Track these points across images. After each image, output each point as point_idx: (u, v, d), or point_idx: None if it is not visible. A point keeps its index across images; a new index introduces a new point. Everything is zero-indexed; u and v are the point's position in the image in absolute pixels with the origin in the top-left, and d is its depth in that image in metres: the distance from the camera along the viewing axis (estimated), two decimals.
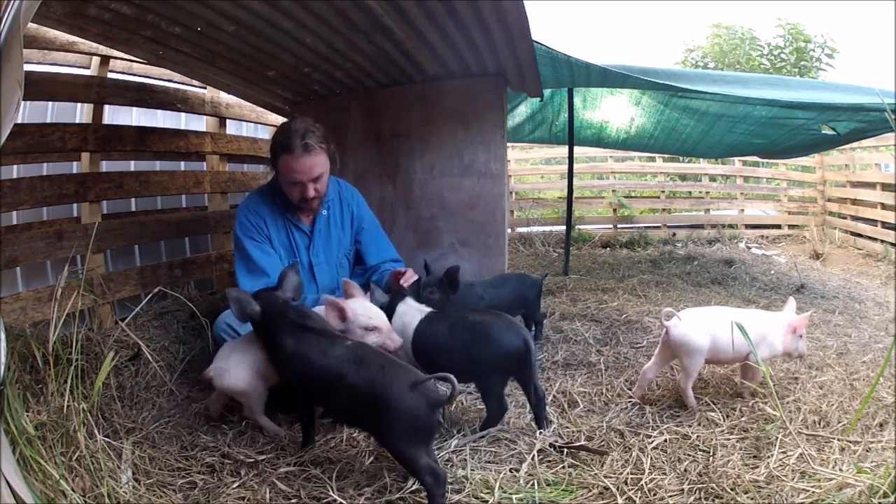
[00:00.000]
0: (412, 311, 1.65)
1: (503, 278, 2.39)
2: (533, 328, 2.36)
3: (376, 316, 1.46)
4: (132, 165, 2.81)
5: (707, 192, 6.25)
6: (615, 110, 4.05)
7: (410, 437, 1.17)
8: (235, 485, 1.28)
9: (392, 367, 1.25)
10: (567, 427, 1.56)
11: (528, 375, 1.50)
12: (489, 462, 1.37)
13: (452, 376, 1.15)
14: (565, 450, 1.39)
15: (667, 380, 1.89)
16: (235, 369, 1.52)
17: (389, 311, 1.64)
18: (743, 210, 6.22)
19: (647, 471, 1.28)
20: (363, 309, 1.46)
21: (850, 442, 1.40)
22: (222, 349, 1.60)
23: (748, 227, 6.10)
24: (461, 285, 2.14)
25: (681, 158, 6.13)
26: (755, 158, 5.55)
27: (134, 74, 2.63)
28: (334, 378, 1.26)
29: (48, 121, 2.32)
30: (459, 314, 1.62)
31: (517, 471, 1.31)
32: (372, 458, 1.38)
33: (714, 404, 1.66)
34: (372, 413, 1.20)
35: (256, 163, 3.48)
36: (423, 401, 1.17)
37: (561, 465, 1.34)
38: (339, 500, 1.20)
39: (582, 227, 5.88)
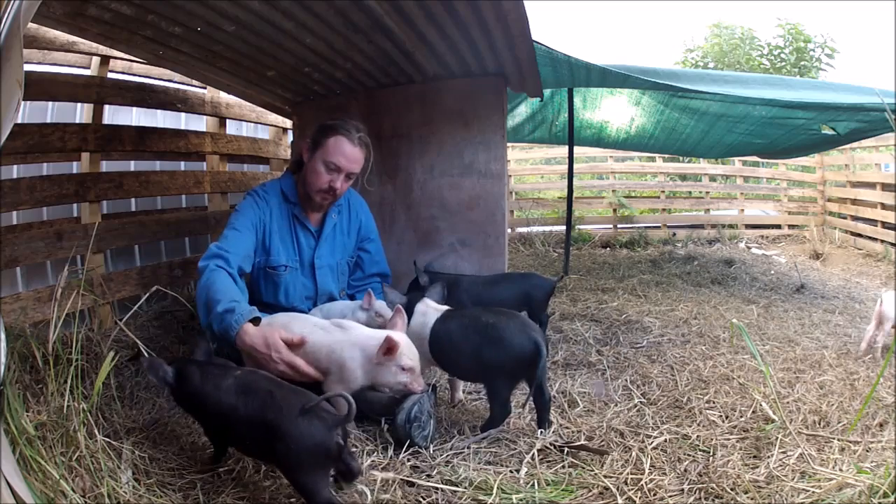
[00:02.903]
0: (430, 311, 1.66)
1: (503, 277, 2.38)
2: None
3: (416, 358, 1.42)
4: (132, 165, 2.81)
5: (707, 192, 6.25)
6: (615, 110, 4.05)
7: (309, 464, 1.08)
8: (235, 484, 1.28)
9: (281, 391, 1.17)
10: (567, 427, 1.56)
11: (538, 376, 1.49)
12: (489, 462, 1.37)
13: (348, 395, 1.12)
14: (565, 449, 1.39)
15: (667, 379, 1.89)
16: None
17: (409, 310, 1.66)
18: (743, 210, 6.22)
19: (647, 471, 1.28)
20: (408, 349, 1.40)
21: (850, 442, 1.40)
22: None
23: (748, 227, 6.10)
24: (451, 278, 2.18)
25: (681, 158, 6.13)
26: (755, 158, 5.55)
27: (134, 74, 2.63)
28: (227, 411, 1.19)
29: (48, 121, 2.32)
30: (474, 313, 1.61)
31: (517, 471, 1.31)
32: (370, 460, 1.38)
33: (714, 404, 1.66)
34: (267, 443, 1.11)
35: (256, 163, 3.48)
36: (316, 423, 1.08)
37: (561, 465, 1.34)
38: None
39: (582, 227, 5.88)
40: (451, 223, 2.70)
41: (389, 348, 1.35)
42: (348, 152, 1.86)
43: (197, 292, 1.63)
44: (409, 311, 1.65)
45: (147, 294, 1.77)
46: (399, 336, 1.40)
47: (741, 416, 1.57)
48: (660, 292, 3.32)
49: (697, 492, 1.21)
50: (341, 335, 1.46)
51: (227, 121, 3.12)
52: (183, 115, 3.05)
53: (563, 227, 4.57)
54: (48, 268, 2.31)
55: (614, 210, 6.12)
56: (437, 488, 1.24)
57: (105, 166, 2.46)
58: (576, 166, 4.24)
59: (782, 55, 9.37)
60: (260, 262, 1.94)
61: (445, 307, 1.69)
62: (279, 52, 2.27)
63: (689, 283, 3.68)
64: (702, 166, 6.21)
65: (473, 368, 1.55)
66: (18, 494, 0.83)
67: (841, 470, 1.24)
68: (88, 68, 2.41)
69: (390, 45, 2.23)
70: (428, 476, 1.29)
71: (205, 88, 2.96)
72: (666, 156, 6.04)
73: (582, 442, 1.43)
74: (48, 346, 1.39)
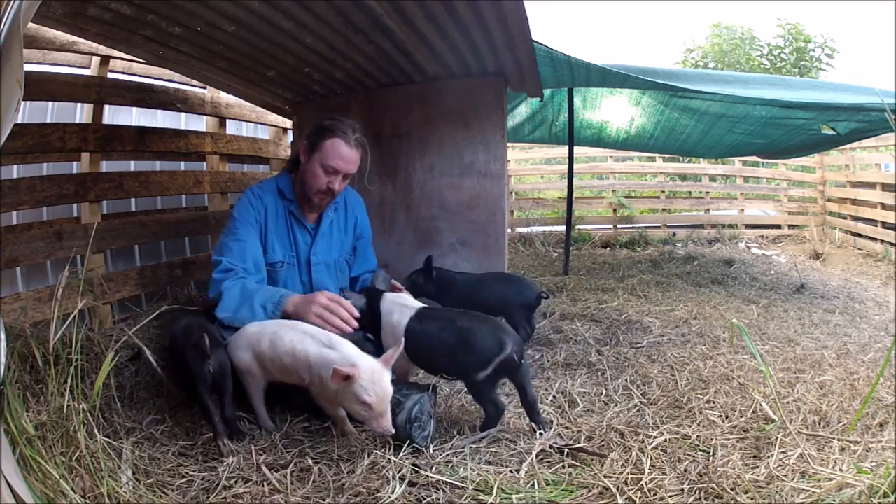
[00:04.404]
0: (401, 308, 1.65)
1: (491, 277, 2.35)
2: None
3: (378, 395, 1.30)
4: (132, 165, 2.81)
5: (707, 192, 6.25)
6: (615, 110, 4.05)
7: (196, 384, 1.46)
8: (234, 483, 1.28)
9: (191, 329, 1.56)
10: (567, 427, 1.56)
11: (519, 380, 1.49)
12: (489, 462, 1.37)
13: (208, 331, 1.49)
14: (565, 450, 1.39)
15: (667, 379, 1.89)
16: (241, 347, 1.56)
17: (372, 308, 1.68)
18: (743, 210, 6.22)
19: (647, 471, 1.28)
20: (371, 382, 1.30)
21: (850, 442, 1.40)
22: (246, 327, 1.63)
23: (748, 227, 6.10)
24: (450, 277, 2.21)
25: (681, 158, 6.13)
26: (755, 158, 5.55)
27: (134, 74, 2.64)
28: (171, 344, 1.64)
29: (48, 121, 2.33)
30: (449, 314, 1.60)
31: (517, 471, 1.31)
32: (371, 457, 1.38)
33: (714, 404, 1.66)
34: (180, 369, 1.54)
35: (256, 163, 3.48)
36: (193, 354, 1.46)
37: (561, 466, 1.33)
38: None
39: (582, 227, 5.88)
40: (451, 223, 2.70)
41: (345, 378, 1.30)
42: (345, 154, 1.87)
43: (224, 295, 1.75)
44: (374, 309, 1.68)
45: (147, 295, 1.78)
46: (369, 366, 1.33)
47: (741, 416, 1.57)
48: (660, 292, 3.32)
49: (697, 492, 1.21)
50: (326, 351, 1.42)
51: (227, 121, 3.12)
52: (183, 115, 3.05)
53: (563, 227, 4.57)
54: (48, 268, 2.31)
55: (614, 210, 6.12)
56: (437, 488, 1.24)
57: (105, 166, 2.47)
58: (576, 166, 4.24)
59: (782, 55, 9.38)
60: None
61: (418, 305, 1.68)
62: (279, 52, 2.27)
63: (689, 283, 3.68)
64: (702, 166, 6.21)
65: (451, 369, 1.56)
66: (18, 494, 0.83)
67: (841, 470, 1.24)
68: (88, 68, 2.41)
69: (390, 45, 2.23)
70: (428, 476, 1.28)
71: (205, 88, 2.96)
72: (666, 156, 6.04)
73: (581, 444, 1.43)
74: (48, 346, 1.39)
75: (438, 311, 1.67)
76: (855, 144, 4.95)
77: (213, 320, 1.74)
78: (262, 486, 1.26)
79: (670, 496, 1.20)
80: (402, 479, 1.27)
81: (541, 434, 1.47)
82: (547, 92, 3.52)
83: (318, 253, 2.03)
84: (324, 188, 1.89)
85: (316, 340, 1.47)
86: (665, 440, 1.44)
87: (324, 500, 1.22)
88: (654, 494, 1.20)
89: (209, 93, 2.98)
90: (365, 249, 2.21)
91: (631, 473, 1.28)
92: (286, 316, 1.67)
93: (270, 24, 1.99)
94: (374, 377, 1.31)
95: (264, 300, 1.71)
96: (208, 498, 1.22)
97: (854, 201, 5.53)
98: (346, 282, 2.16)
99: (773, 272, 4.17)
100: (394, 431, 1.33)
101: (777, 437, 1.40)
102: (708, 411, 1.62)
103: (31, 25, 1.99)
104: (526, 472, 1.30)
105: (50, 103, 2.38)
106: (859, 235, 5.27)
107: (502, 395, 1.74)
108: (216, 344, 1.51)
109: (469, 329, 1.49)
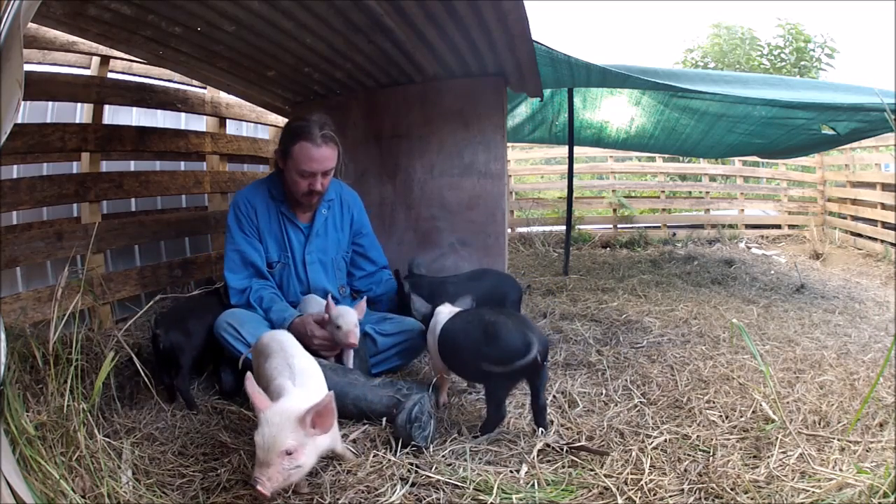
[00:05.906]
0: (444, 314, 1.68)
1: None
2: None
3: (262, 443, 1.10)
4: (132, 165, 2.81)
5: (707, 192, 6.25)
6: (615, 110, 4.05)
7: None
8: (235, 482, 1.28)
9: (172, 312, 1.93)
10: (568, 428, 1.56)
11: (535, 382, 1.48)
12: (489, 462, 1.37)
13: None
14: (565, 449, 1.39)
15: (666, 380, 1.89)
16: (253, 354, 1.57)
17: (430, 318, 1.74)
18: (743, 210, 6.22)
19: (647, 471, 1.28)
20: (265, 424, 1.11)
21: (850, 442, 1.40)
22: (261, 336, 1.58)
23: (748, 227, 6.09)
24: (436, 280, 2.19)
25: (681, 158, 6.13)
26: (755, 158, 5.54)
27: (134, 74, 2.64)
28: None
29: (48, 121, 2.32)
30: (478, 312, 1.62)
31: (517, 471, 1.31)
32: (373, 457, 1.38)
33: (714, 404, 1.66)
34: None
35: (256, 163, 3.48)
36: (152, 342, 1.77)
37: (561, 465, 1.34)
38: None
39: (582, 227, 5.88)
40: (451, 223, 2.70)
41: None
42: (315, 156, 1.86)
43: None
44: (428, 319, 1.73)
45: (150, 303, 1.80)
46: (275, 412, 1.13)
47: (741, 416, 1.57)
48: (660, 292, 3.32)
49: (697, 492, 1.21)
50: (289, 386, 1.27)
51: (227, 121, 3.12)
52: (183, 115, 3.05)
53: (563, 227, 4.57)
54: (48, 268, 2.31)
55: (614, 210, 6.11)
56: (437, 488, 1.24)
57: (105, 166, 2.47)
58: (576, 166, 4.23)
59: (782, 55, 9.37)
60: None
61: (458, 309, 1.70)
62: (279, 52, 2.27)
63: (689, 283, 3.68)
64: (702, 166, 6.21)
65: (473, 367, 1.53)
66: (18, 494, 0.83)
67: (841, 470, 1.24)
68: (88, 68, 2.41)
69: (390, 45, 2.24)
70: (428, 476, 1.28)
71: (205, 88, 2.96)
72: (666, 156, 6.04)
73: (583, 443, 1.43)
74: (48, 346, 1.39)
75: (470, 310, 1.69)
76: (855, 144, 4.94)
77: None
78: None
79: (670, 496, 1.20)
80: (403, 480, 1.27)
81: (542, 433, 1.47)
82: (547, 92, 3.52)
83: (313, 252, 2.03)
84: (306, 191, 1.91)
85: (293, 373, 1.32)
86: (665, 440, 1.44)
87: (324, 499, 1.22)
88: (654, 494, 1.20)
89: (209, 93, 2.98)
90: (374, 245, 2.21)
91: (631, 473, 1.28)
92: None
93: (270, 24, 1.99)
94: (267, 423, 1.11)
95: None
96: (209, 498, 1.22)
97: (854, 201, 5.53)
98: (344, 279, 2.15)
99: (773, 272, 4.17)
100: (268, 496, 1.08)
101: (777, 437, 1.40)
102: (708, 411, 1.62)
103: (31, 25, 1.99)
104: (526, 472, 1.30)
105: (50, 103, 2.38)
106: (859, 235, 5.26)
107: None
108: (171, 327, 1.75)
109: (495, 323, 1.47)
